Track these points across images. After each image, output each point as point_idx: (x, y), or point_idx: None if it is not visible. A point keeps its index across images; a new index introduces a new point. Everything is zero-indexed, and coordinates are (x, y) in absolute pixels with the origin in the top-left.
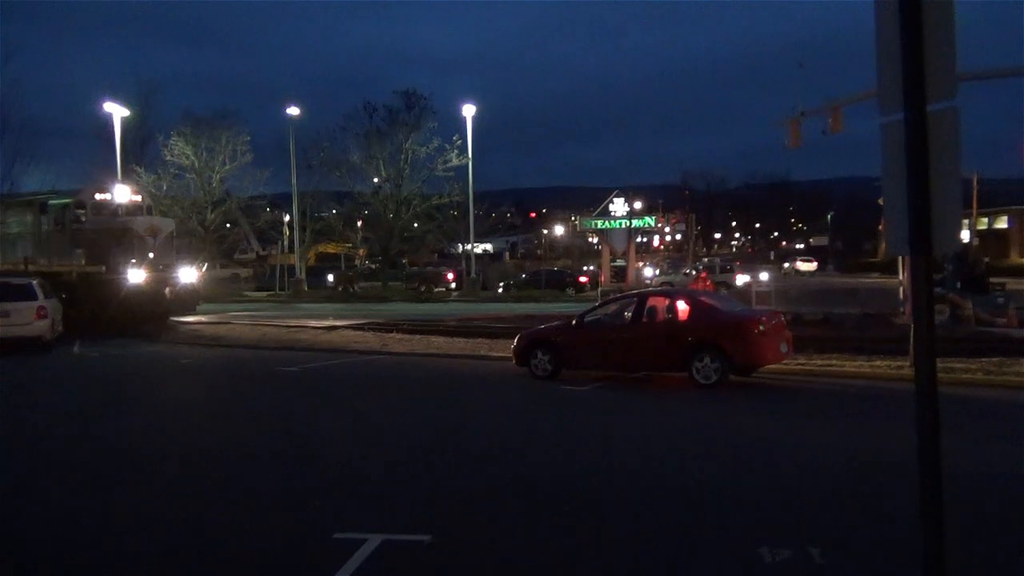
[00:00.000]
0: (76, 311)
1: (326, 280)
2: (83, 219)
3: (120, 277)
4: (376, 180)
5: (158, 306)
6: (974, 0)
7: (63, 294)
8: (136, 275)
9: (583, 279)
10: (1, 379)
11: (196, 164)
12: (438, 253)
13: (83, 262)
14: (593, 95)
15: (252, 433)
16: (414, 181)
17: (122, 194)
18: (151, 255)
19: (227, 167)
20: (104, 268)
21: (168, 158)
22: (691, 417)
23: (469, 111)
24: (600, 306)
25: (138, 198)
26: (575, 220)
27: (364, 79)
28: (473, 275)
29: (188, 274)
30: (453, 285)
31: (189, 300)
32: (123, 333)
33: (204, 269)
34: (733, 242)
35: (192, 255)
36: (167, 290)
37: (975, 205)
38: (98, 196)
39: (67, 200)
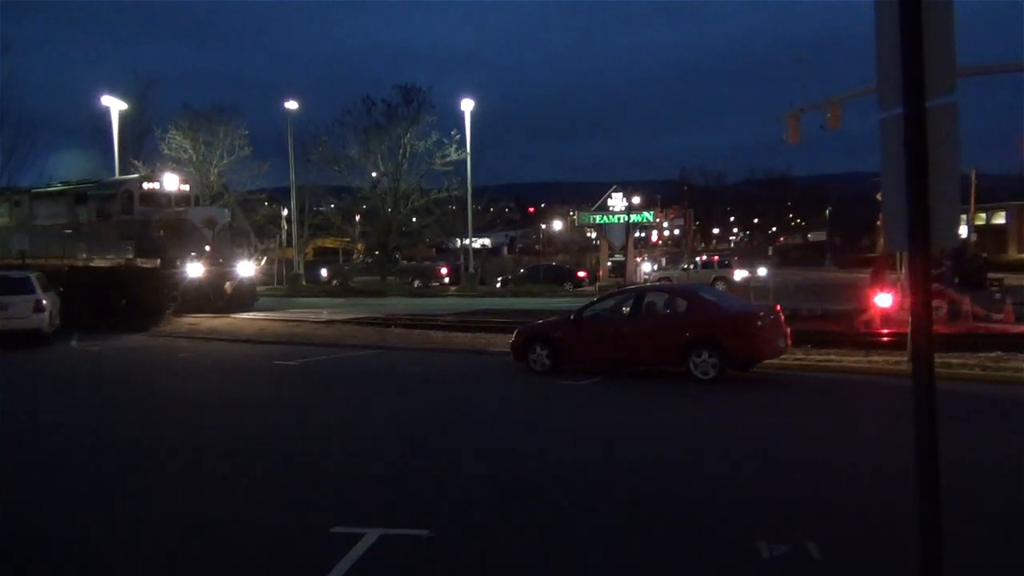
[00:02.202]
0: (125, 307)
1: (320, 275)
2: (132, 210)
3: (179, 271)
4: (374, 174)
5: (218, 302)
6: None
7: (109, 290)
8: (195, 269)
9: (581, 274)
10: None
11: (194, 158)
12: (436, 248)
13: (132, 255)
14: (592, 90)
15: (250, 427)
16: (412, 175)
17: (171, 183)
18: (207, 248)
19: (225, 161)
20: (159, 262)
21: (166, 152)
22: (689, 412)
23: (468, 106)
24: (598, 301)
25: (187, 187)
26: (573, 215)
27: (363, 74)
28: (471, 270)
29: (246, 268)
30: (447, 280)
31: (248, 295)
32: (121, 327)
33: (263, 263)
34: (732, 237)
35: (248, 248)
36: (227, 285)
37: (973, 200)
38: (146, 185)
39: (112, 190)
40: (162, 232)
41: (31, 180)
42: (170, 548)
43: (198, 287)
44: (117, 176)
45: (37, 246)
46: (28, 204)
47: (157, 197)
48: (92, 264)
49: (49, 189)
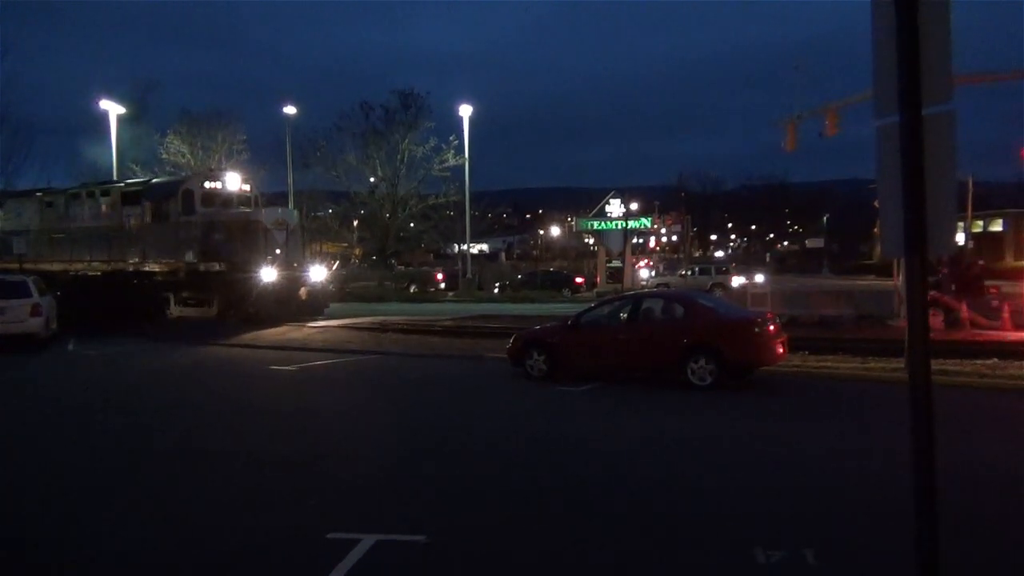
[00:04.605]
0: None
1: None
2: (194, 210)
3: (253, 276)
4: (372, 180)
5: (290, 308)
6: (971, 3)
7: (163, 293)
8: (269, 274)
9: (579, 280)
10: None
11: (192, 162)
12: (434, 253)
13: (196, 258)
14: (590, 96)
15: (246, 432)
16: (411, 181)
17: (233, 182)
18: (278, 251)
19: (223, 166)
20: (226, 265)
21: (164, 156)
22: (686, 419)
23: (466, 111)
24: (596, 307)
25: (247, 187)
26: (571, 221)
27: (362, 79)
28: (469, 275)
29: (319, 272)
30: (443, 286)
31: (320, 301)
32: (118, 331)
33: (335, 267)
34: (730, 244)
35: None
36: (302, 291)
37: (970, 208)
38: (208, 184)
39: (170, 189)
40: (229, 234)
41: (29, 183)
42: (164, 552)
43: (272, 293)
44: (178, 174)
45: (78, 250)
46: (64, 205)
47: (219, 197)
48: (226, 270)
49: (89, 189)
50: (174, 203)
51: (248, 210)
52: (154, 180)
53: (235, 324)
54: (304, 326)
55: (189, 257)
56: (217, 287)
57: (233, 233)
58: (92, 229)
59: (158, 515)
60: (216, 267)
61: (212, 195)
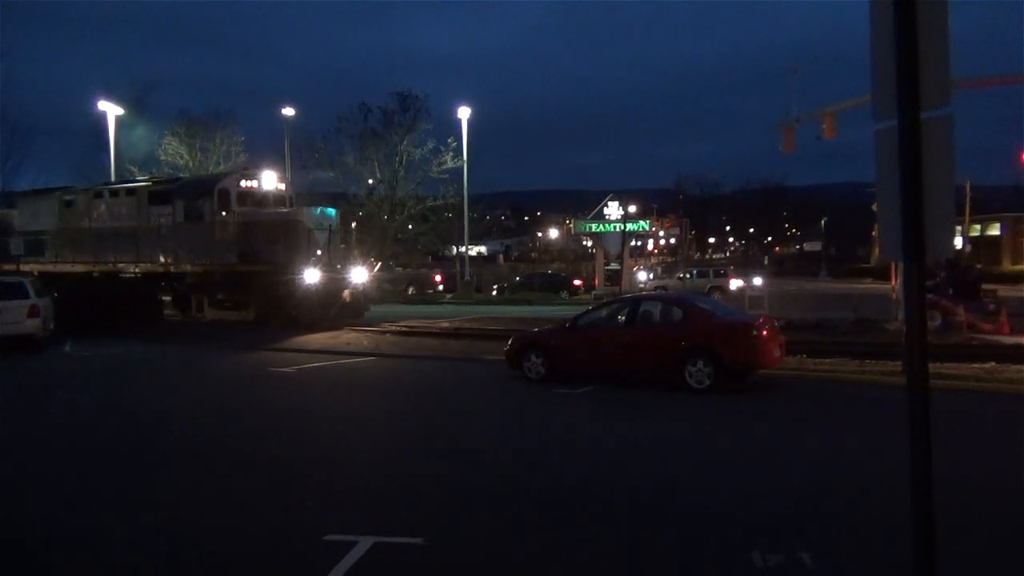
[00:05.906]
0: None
1: None
2: (230, 210)
3: (297, 278)
4: (371, 181)
5: (332, 311)
6: (970, 6)
7: (205, 295)
8: (312, 275)
9: (577, 282)
10: None
11: (191, 164)
12: (431, 255)
13: (235, 259)
14: (589, 99)
15: (243, 434)
16: (409, 183)
17: (269, 181)
18: (319, 252)
19: (221, 167)
20: (268, 267)
21: (162, 158)
22: (683, 422)
23: (464, 113)
24: (594, 309)
25: (283, 186)
26: (569, 223)
27: (360, 82)
28: (467, 277)
29: (360, 274)
30: (441, 287)
31: (362, 304)
32: (115, 332)
33: (377, 268)
34: (730, 249)
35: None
36: (345, 293)
37: (968, 212)
38: (244, 183)
39: (204, 188)
40: (269, 235)
41: (26, 184)
42: (161, 554)
43: (316, 295)
44: (211, 172)
45: (102, 250)
46: (84, 204)
47: (254, 196)
48: (269, 271)
49: (113, 187)
50: (208, 202)
51: (287, 209)
52: (185, 178)
53: (275, 328)
54: (353, 329)
55: (228, 257)
56: (256, 289)
57: (274, 233)
58: (118, 229)
59: (154, 516)
60: (258, 268)
61: (247, 194)
